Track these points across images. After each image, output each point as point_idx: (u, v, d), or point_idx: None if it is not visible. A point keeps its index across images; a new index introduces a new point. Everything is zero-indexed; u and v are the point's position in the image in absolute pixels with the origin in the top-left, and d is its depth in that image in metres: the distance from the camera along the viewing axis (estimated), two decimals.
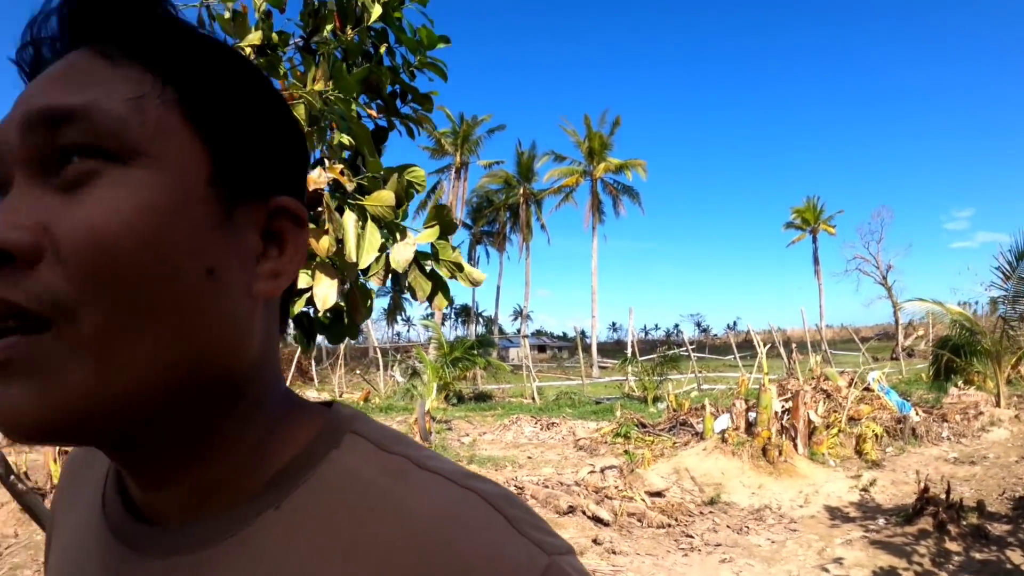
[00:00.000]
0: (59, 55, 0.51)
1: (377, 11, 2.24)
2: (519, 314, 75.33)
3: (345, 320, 2.00)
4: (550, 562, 0.50)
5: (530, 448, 13.15)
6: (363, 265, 1.85)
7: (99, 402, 0.44)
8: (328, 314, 2.03)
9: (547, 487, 8.58)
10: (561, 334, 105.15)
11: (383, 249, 1.95)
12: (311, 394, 24.98)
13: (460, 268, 2.05)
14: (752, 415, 10.51)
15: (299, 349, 28.96)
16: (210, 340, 0.49)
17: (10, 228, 0.43)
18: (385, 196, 1.86)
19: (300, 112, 1.93)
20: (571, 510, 7.56)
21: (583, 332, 39.71)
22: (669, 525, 7.38)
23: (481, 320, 73.13)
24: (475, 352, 20.79)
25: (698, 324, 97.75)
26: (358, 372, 30.77)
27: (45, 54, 0.53)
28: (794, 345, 22.77)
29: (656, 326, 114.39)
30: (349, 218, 1.87)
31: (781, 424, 10.20)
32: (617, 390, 24.53)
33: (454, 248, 2.09)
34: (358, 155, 2.21)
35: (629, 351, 26.95)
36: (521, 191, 53.91)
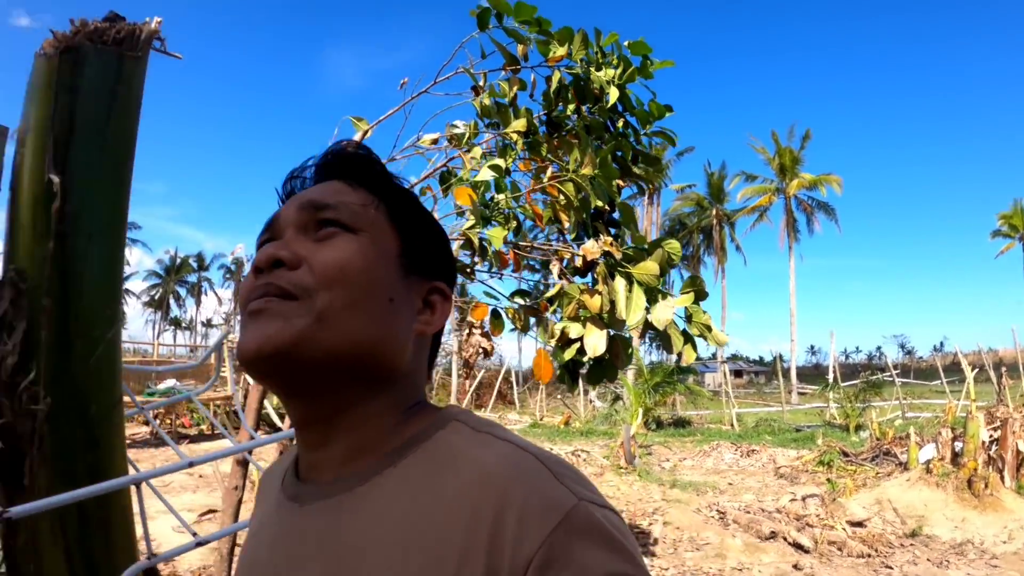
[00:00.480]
0: (320, 180, 0.90)
1: (615, 94, 2.86)
2: None
3: (605, 365, 2.64)
4: (578, 503, 0.67)
5: (730, 475, 13.36)
6: (631, 323, 2.47)
7: (312, 341, 0.74)
8: (590, 360, 2.67)
9: (748, 513, 8.98)
10: (757, 358, 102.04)
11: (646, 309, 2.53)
12: (512, 417, 25.89)
13: (709, 330, 2.65)
14: (958, 445, 10.28)
15: (500, 375, 30.10)
16: (383, 339, 0.79)
17: (284, 250, 0.78)
18: (650, 267, 2.51)
19: (569, 189, 2.59)
20: (772, 535, 7.95)
21: (780, 356, 38.61)
22: (869, 555, 7.59)
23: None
24: (674, 378, 20.88)
25: (902, 346, 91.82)
26: (559, 396, 31.47)
27: (297, 187, 0.91)
28: (1004, 368, 21.59)
29: (857, 348, 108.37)
30: (620, 283, 2.53)
31: (988, 455, 9.97)
32: (817, 417, 24.05)
33: (704, 312, 2.71)
34: (615, 223, 2.86)
35: (831, 376, 26.29)
36: (713, 212, 53.24)
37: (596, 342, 2.47)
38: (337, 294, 0.76)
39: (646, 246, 2.58)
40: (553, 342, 2.61)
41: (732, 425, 22.41)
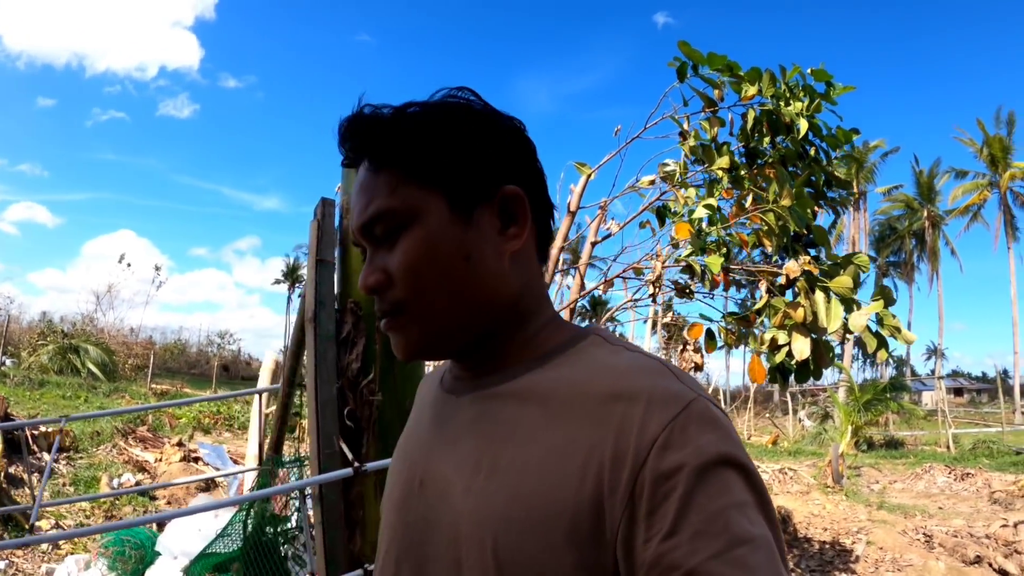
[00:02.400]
0: (354, 161, 0.95)
1: (805, 125, 3.23)
2: (932, 352, 68.39)
3: (811, 366, 3.08)
4: (697, 397, 0.77)
5: (941, 499, 13.03)
6: (831, 330, 2.90)
7: (428, 338, 0.89)
8: (795, 362, 3.10)
9: (956, 537, 8.90)
10: (980, 374, 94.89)
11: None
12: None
13: (898, 331, 3.02)
14: None
15: (708, 393, 29.88)
16: (478, 295, 0.88)
17: (371, 276, 0.89)
18: (845, 280, 2.93)
19: (770, 219, 3.03)
20: (978, 560, 7.91)
21: (1005, 371, 36.08)
22: None
23: (892, 360, 68.38)
24: (887, 395, 20.34)
25: None
26: (767, 416, 31.06)
27: (352, 160, 0.95)
28: None
29: None
30: (820, 296, 2.97)
31: None
32: None
33: (893, 316, 3.10)
34: (812, 243, 3.27)
35: None
36: (925, 214, 48.99)
37: (802, 347, 2.95)
38: (423, 293, 0.87)
39: (839, 261, 3.02)
40: (764, 348, 3.11)
41: (948, 447, 21.53)
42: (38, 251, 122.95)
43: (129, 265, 51.06)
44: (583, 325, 0.99)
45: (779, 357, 3.07)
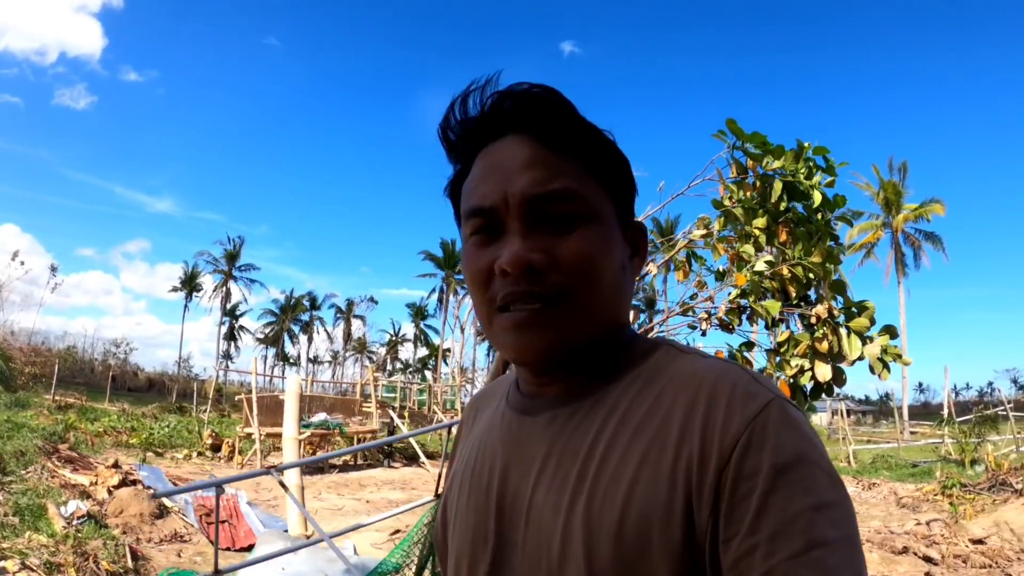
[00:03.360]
0: (499, 127, 0.92)
1: (819, 198, 4.11)
2: None
3: (825, 387, 3.92)
4: (775, 398, 0.79)
5: (855, 505, 14.23)
6: (852, 358, 3.77)
7: (577, 340, 0.88)
8: (814, 383, 3.92)
9: (880, 534, 10.13)
10: (863, 397, 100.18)
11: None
12: None
13: (899, 356, 3.90)
14: None
15: None
16: (619, 305, 0.93)
17: (534, 252, 0.85)
18: (863, 322, 3.83)
19: (799, 271, 3.91)
20: (905, 550, 9.13)
21: (889, 394, 38.80)
22: (990, 566, 8.72)
23: None
24: None
25: (1014, 380, 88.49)
26: None
27: (507, 122, 0.91)
28: None
29: (968, 385, 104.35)
30: (842, 332, 3.83)
31: None
32: (932, 453, 24.74)
33: (895, 346, 3.92)
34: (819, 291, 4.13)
35: (945, 412, 26.76)
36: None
37: (824, 371, 3.85)
38: (593, 289, 0.87)
39: (855, 308, 3.95)
40: (790, 372, 3.99)
41: (849, 461, 23.31)
42: None
43: (23, 263, 49.04)
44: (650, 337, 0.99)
45: (804, 380, 3.95)
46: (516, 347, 0.89)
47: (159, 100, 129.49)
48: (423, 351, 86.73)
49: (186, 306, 78.00)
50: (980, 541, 9.76)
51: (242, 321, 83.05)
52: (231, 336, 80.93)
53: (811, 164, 4.02)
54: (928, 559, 8.90)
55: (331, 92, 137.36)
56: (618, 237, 0.92)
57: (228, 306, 78.87)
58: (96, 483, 10.76)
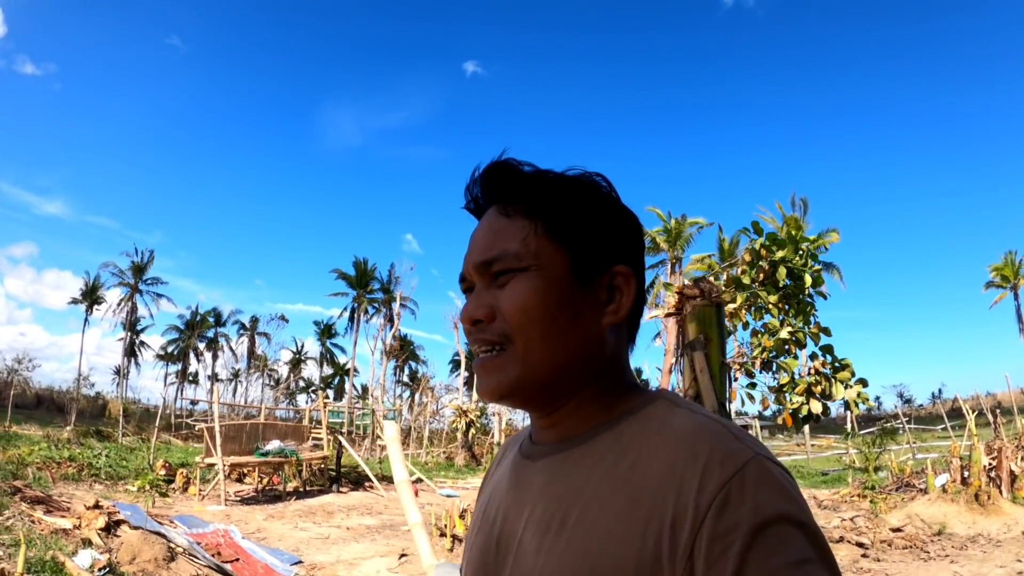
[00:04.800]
0: (483, 208, 1.03)
1: (808, 280, 5.82)
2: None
3: (814, 417, 5.52)
4: (754, 456, 0.79)
5: None
6: (837, 398, 5.42)
7: (523, 381, 0.93)
8: (806, 413, 5.54)
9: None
10: (756, 413, 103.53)
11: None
12: None
13: (867, 400, 5.58)
14: (965, 472, 13.78)
15: None
16: (578, 351, 0.94)
17: (477, 309, 0.95)
18: (846, 374, 5.55)
19: (801, 336, 5.54)
20: (840, 540, 11.04)
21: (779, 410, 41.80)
22: (910, 547, 10.71)
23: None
24: None
25: (900, 395, 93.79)
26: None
27: (482, 203, 1.03)
28: (999, 409, 24.60)
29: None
30: (833, 380, 5.48)
31: (988, 476, 13.58)
32: (837, 463, 27.14)
33: (866, 392, 5.63)
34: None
35: (848, 426, 29.70)
36: (725, 275, 52.36)
37: (816, 406, 5.54)
38: (529, 334, 0.93)
39: (839, 363, 5.63)
40: (791, 406, 5.61)
41: None
42: None
43: None
44: (654, 389, 1.00)
45: (804, 411, 5.60)
46: (479, 387, 0.99)
47: (55, 96, 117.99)
48: (327, 369, 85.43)
49: (86, 319, 74.30)
50: (899, 529, 11.81)
51: (142, 336, 79.72)
52: (131, 352, 77.47)
53: (805, 253, 5.63)
54: (860, 544, 10.81)
55: (231, 100, 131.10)
56: (567, 284, 0.95)
57: (132, 320, 75.01)
58: (79, 526, 9.78)
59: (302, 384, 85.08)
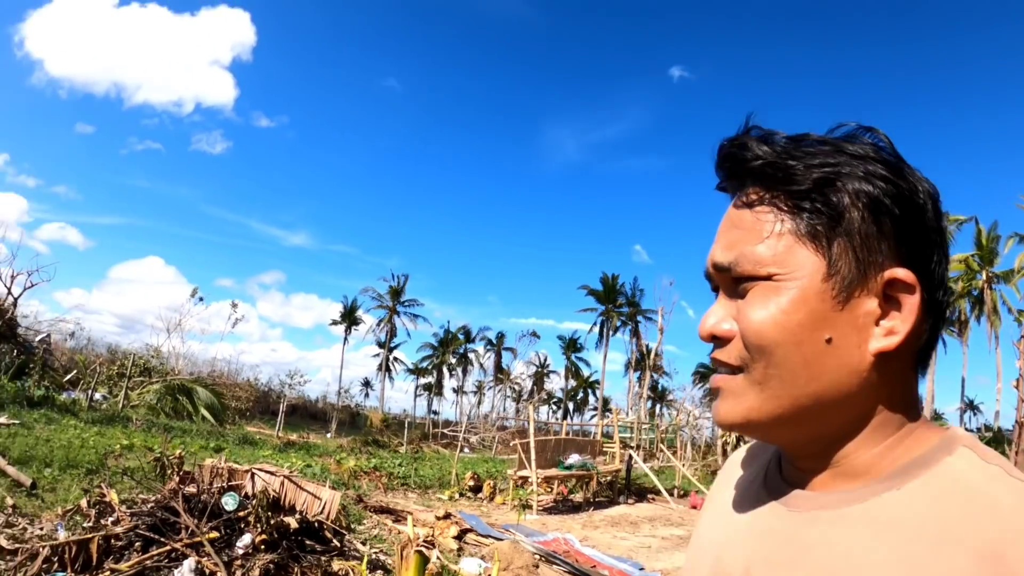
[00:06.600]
0: (729, 187, 0.85)
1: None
2: (968, 406, 70.18)
3: None
4: None
5: None
6: None
7: (759, 414, 0.77)
8: None
9: None
10: None
11: None
12: None
13: None
14: None
15: None
16: (827, 386, 0.74)
17: (714, 327, 0.80)
18: None
19: None
20: None
21: None
22: None
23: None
24: None
25: None
26: None
27: (727, 186, 0.85)
28: None
29: None
30: None
31: None
32: None
33: None
34: None
35: None
36: (985, 275, 49.02)
37: None
38: (767, 360, 0.75)
39: None
40: None
41: None
42: (65, 270, 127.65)
43: (202, 299, 50.27)
44: (948, 427, 0.79)
45: None
46: (714, 414, 0.83)
47: (290, 143, 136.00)
48: (571, 382, 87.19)
49: (345, 339, 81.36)
50: None
51: (395, 353, 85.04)
52: (386, 367, 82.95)
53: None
54: None
55: (450, 132, 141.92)
56: (820, 299, 0.74)
57: (388, 338, 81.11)
58: (432, 536, 10.43)
59: (544, 396, 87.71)
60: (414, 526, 10.96)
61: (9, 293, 29.22)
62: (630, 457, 22.85)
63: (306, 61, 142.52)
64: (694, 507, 20.24)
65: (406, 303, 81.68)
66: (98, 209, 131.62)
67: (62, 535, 7.53)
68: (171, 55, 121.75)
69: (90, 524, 7.68)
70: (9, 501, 8.68)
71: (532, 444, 18.29)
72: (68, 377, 28.01)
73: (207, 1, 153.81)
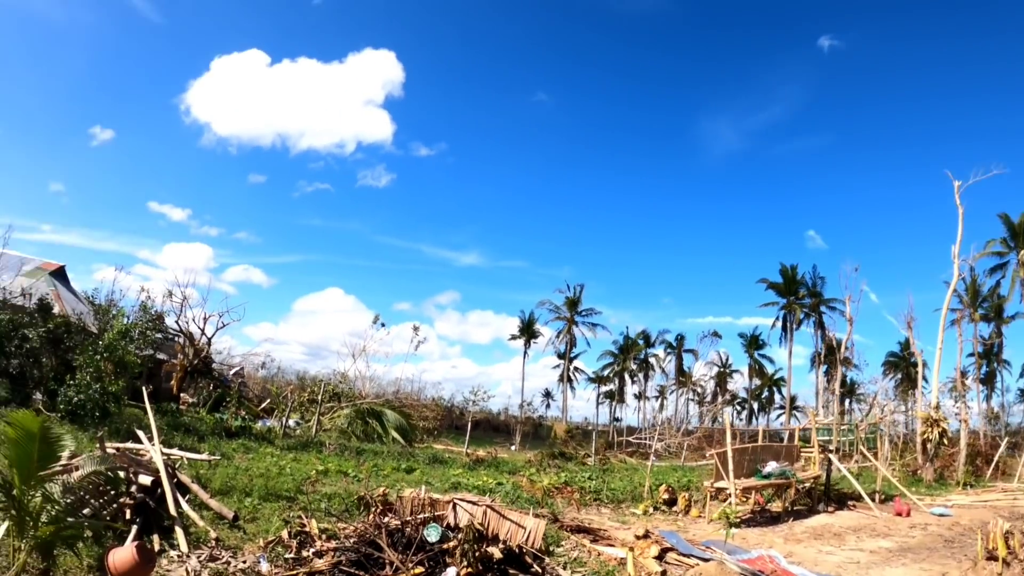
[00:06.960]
0: None
1: None
2: None
3: None
4: None
5: None
6: None
7: None
8: None
9: None
10: None
11: None
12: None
13: None
14: None
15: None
16: None
17: None
18: None
19: None
20: None
21: None
22: None
23: None
24: None
25: None
26: None
27: None
28: None
29: None
30: None
31: None
32: None
33: None
34: None
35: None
36: None
37: None
38: None
39: None
40: None
41: None
42: (252, 308, 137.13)
43: (383, 324, 51.67)
44: None
45: None
46: None
47: (450, 167, 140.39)
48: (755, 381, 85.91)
49: (525, 352, 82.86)
50: None
51: (575, 363, 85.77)
52: (567, 377, 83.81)
53: None
54: None
55: (605, 133, 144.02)
56: None
57: (570, 351, 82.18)
58: (633, 554, 10.19)
59: (727, 397, 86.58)
60: (610, 545, 11.18)
61: (203, 333, 31.80)
62: (830, 462, 21.65)
63: (455, 87, 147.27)
64: (899, 514, 19.22)
65: (583, 312, 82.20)
66: (277, 249, 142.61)
67: (264, 567, 7.87)
68: (327, 101, 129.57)
69: (292, 556, 8.04)
70: (212, 534, 9.10)
71: (730, 454, 17.47)
72: (263, 406, 29.84)
73: (352, 47, 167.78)
